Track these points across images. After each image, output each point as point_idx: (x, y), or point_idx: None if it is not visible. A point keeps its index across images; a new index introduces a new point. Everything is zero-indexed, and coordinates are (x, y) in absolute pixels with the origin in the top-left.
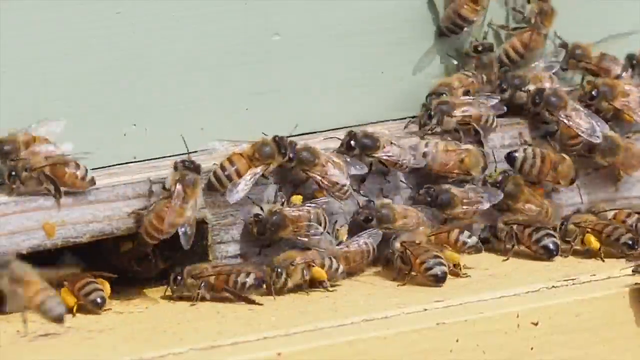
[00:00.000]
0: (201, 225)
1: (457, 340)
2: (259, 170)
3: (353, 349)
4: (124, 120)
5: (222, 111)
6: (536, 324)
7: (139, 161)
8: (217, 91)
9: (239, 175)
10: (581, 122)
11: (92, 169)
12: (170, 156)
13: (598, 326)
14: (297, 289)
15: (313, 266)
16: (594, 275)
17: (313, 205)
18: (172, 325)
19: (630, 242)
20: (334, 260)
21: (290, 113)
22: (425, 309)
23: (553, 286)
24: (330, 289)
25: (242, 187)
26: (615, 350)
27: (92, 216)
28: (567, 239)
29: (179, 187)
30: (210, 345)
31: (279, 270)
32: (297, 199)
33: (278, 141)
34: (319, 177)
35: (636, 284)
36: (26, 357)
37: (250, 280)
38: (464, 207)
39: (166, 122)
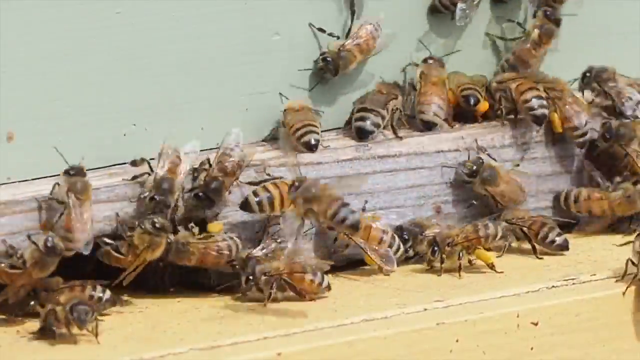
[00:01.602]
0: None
1: (457, 340)
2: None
3: (353, 349)
4: (124, 120)
5: (222, 111)
6: (536, 324)
7: None
8: (217, 91)
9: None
10: None
11: (92, 169)
12: None
13: (598, 326)
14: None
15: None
16: (594, 275)
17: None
18: (172, 325)
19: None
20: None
21: None
22: (425, 309)
23: (553, 286)
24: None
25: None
26: (615, 350)
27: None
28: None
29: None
30: (210, 345)
31: None
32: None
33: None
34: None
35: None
36: (26, 357)
37: (106, 295)
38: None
39: (166, 122)
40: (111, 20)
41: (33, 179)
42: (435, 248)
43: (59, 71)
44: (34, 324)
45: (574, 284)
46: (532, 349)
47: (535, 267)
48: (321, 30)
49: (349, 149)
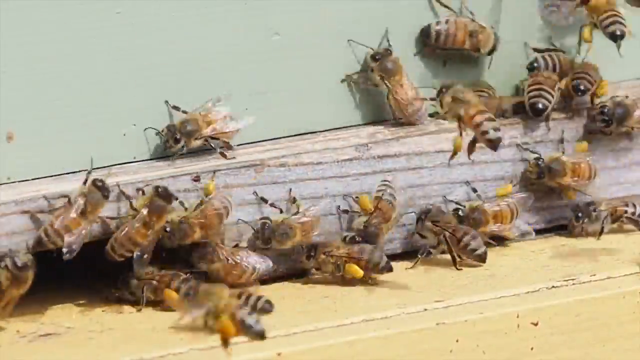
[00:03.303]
0: None
1: (457, 340)
2: None
3: (353, 349)
4: (124, 120)
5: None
6: (536, 324)
7: (138, 161)
8: (217, 91)
9: None
10: None
11: (92, 169)
12: (169, 156)
13: (598, 326)
14: None
15: None
16: (594, 275)
17: None
18: (172, 325)
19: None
20: None
21: (290, 113)
22: (425, 309)
23: (553, 286)
24: None
25: None
26: (616, 350)
27: None
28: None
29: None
30: (210, 346)
31: None
32: None
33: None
34: None
35: None
36: (26, 357)
37: None
38: None
39: (166, 122)
40: (111, 20)
41: (33, 179)
42: (312, 254)
43: (58, 71)
44: (33, 324)
45: (574, 284)
46: (532, 349)
47: (535, 267)
48: None
49: (349, 149)
